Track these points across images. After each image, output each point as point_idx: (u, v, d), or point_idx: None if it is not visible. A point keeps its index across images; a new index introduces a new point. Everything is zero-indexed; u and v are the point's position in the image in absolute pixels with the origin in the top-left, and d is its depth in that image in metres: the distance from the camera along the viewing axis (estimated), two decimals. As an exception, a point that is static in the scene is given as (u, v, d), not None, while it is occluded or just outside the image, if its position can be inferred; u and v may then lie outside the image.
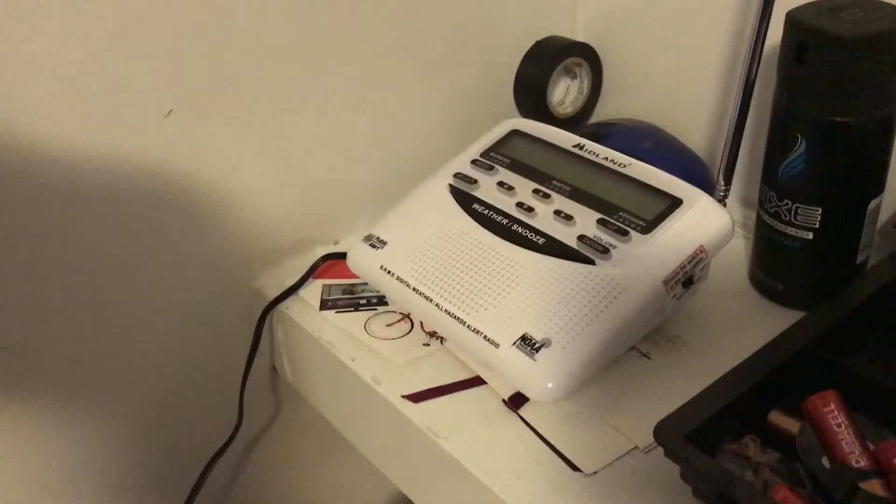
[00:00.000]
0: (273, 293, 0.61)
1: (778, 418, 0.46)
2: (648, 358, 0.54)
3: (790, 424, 0.45)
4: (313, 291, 0.62)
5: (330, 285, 0.62)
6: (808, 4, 0.50)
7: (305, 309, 0.60)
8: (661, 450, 0.42)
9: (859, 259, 0.54)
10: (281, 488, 0.74)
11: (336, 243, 0.67)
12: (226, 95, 0.57)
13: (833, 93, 0.48)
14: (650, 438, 0.44)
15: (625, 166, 0.55)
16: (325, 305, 0.60)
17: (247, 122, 0.58)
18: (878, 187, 0.52)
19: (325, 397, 0.62)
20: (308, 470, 0.76)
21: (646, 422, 0.44)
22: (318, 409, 0.64)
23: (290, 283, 0.62)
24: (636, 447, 0.47)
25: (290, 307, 0.61)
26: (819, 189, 0.52)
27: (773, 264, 0.56)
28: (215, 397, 0.64)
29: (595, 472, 0.46)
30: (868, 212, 0.52)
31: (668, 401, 0.44)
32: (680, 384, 0.48)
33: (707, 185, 0.56)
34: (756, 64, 0.54)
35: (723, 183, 0.57)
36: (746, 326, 0.55)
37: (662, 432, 0.42)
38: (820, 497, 0.40)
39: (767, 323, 0.52)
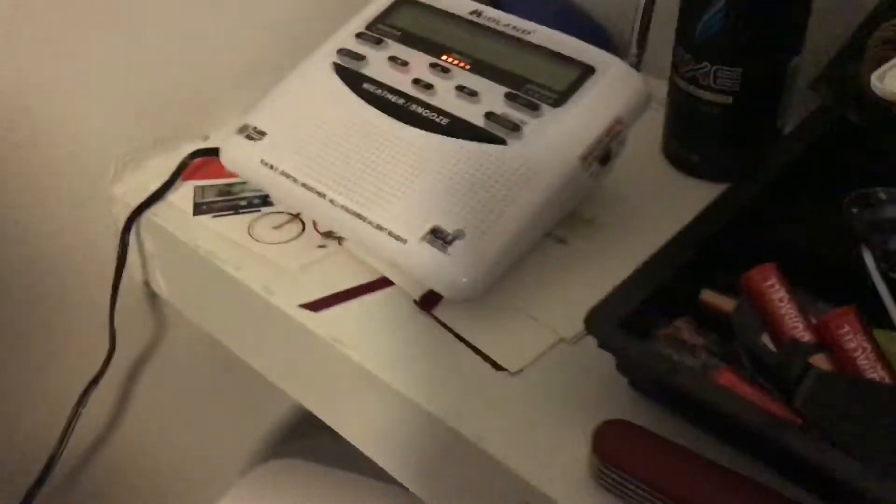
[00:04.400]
0: (136, 200, 0.54)
1: (710, 297, 0.43)
2: (565, 243, 0.51)
3: (724, 302, 0.43)
4: (184, 195, 0.54)
5: (203, 187, 0.55)
6: None
7: (177, 215, 0.53)
8: (588, 340, 0.39)
9: (778, 125, 0.52)
10: (168, 419, 0.67)
11: (206, 138, 0.59)
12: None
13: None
14: (575, 328, 0.43)
15: (529, 33, 0.50)
16: (199, 210, 0.53)
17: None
18: (799, 44, 0.49)
19: (209, 313, 0.56)
20: (200, 394, 0.69)
21: (569, 311, 0.43)
22: (201, 327, 0.57)
23: (155, 187, 0.54)
24: (562, 339, 0.44)
25: (158, 214, 0.53)
26: (740, 47, 0.48)
27: (690, 134, 0.53)
28: (86, 323, 0.57)
29: (521, 370, 0.43)
30: (788, 72, 0.49)
31: (589, 288, 0.41)
32: (600, 269, 0.46)
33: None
34: None
35: (635, 48, 0.53)
36: (663, 203, 0.53)
37: (595, 321, 0.39)
38: (762, 377, 0.38)
39: (685, 198, 0.50)
